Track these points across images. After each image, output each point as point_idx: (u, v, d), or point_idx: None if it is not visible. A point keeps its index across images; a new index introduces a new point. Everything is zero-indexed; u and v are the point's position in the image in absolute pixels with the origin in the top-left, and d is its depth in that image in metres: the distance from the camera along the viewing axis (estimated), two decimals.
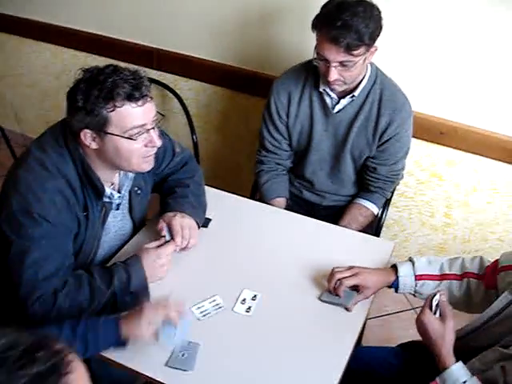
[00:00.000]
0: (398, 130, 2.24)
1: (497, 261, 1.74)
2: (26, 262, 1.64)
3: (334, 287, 1.79)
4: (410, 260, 1.84)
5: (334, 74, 2.06)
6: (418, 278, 1.81)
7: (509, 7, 2.22)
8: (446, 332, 1.53)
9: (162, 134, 1.98)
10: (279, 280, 1.88)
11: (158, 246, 1.84)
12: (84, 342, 1.50)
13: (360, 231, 2.24)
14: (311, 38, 2.09)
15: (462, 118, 2.56)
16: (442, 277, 1.80)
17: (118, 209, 1.94)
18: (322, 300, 1.81)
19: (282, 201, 2.45)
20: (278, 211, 2.28)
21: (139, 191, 1.97)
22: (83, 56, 3.35)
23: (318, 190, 2.51)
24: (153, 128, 1.71)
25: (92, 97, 1.59)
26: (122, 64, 3.08)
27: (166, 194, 2.07)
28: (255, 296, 1.80)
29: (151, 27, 3.09)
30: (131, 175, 1.91)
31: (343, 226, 2.26)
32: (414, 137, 2.40)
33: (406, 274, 1.82)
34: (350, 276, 1.78)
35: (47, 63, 3.56)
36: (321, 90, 2.24)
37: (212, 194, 2.20)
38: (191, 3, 2.88)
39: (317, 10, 2.07)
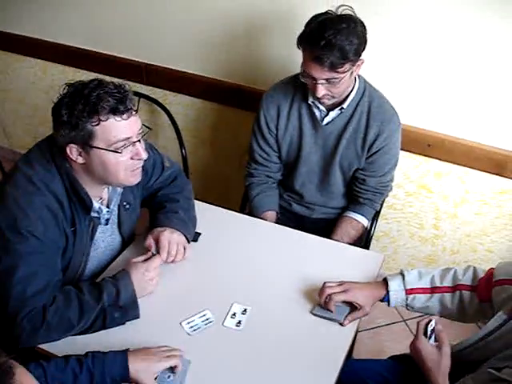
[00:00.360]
0: (387, 141, 2.26)
1: (491, 272, 1.73)
2: (13, 279, 1.63)
3: (324, 302, 1.79)
4: (401, 273, 1.84)
5: (321, 91, 2.08)
6: (408, 292, 1.80)
7: (493, 19, 2.25)
8: (442, 360, 1.52)
9: (151, 149, 2.01)
10: (269, 294, 1.88)
11: (146, 260, 1.83)
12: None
13: (349, 244, 2.24)
14: (298, 52, 2.10)
15: (449, 130, 2.58)
16: (433, 290, 1.79)
17: (106, 224, 1.93)
18: (314, 314, 1.81)
19: (272, 214, 2.45)
20: (267, 224, 2.28)
21: (128, 206, 1.97)
22: (72, 71, 3.35)
23: (308, 202, 2.51)
24: (138, 141, 1.71)
25: (76, 111, 1.60)
26: (111, 79, 3.11)
27: (156, 209, 2.06)
28: (245, 310, 1.80)
29: (140, 42, 3.10)
30: (119, 190, 1.91)
31: (335, 241, 2.26)
32: (401, 149, 2.41)
33: (396, 288, 1.81)
34: (341, 292, 1.78)
35: (36, 78, 3.56)
36: (309, 102, 2.25)
37: (201, 208, 2.19)
38: (179, 18, 2.89)
39: (303, 24, 2.08)
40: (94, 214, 1.83)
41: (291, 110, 2.32)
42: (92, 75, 3.27)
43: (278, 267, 1.99)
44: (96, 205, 1.82)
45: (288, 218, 2.52)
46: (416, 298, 1.80)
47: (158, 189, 2.12)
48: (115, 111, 1.62)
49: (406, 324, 2.96)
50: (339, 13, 2.04)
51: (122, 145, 1.66)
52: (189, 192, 2.17)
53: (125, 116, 1.64)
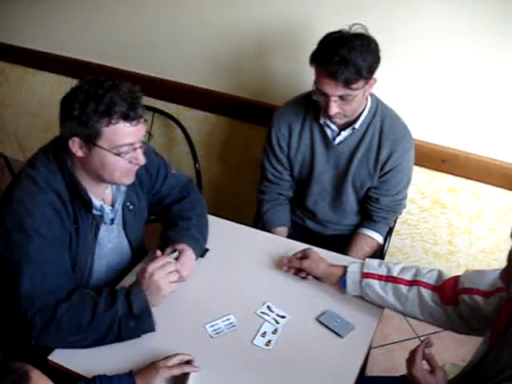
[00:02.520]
0: (399, 160, 2.25)
1: (457, 278, 1.74)
2: (21, 277, 1.66)
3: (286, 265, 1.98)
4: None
5: (334, 108, 2.07)
6: (364, 275, 1.84)
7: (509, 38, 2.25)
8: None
9: (155, 154, 2.06)
10: (281, 307, 1.87)
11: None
12: None
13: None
14: (310, 68, 2.11)
15: (463, 145, 2.57)
16: (388, 278, 1.81)
17: (112, 223, 1.94)
18: (319, 320, 1.82)
19: (283, 230, 2.45)
20: (280, 240, 2.27)
21: (132, 207, 1.99)
22: None
23: (320, 219, 2.50)
24: (140, 147, 1.74)
25: (88, 109, 1.63)
26: None
27: (169, 225, 2.07)
28: (276, 330, 1.79)
29: (154, 57, 3.12)
30: (123, 189, 1.93)
31: (349, 257, 2.24)
32: (415, 164, 2.41)
33: (353, 270, 1.86)
34: (299, 258, 1.95)
35: (50, 93, 3.60)
36: (321, 122, 2.25)
37: (215, 223, 2.21)
38: (193, 34, 2.92)
39: (315, 42, 2.08)
40: (96, 212, 1.85)
41: (303, 130, 2.32)
42: None
43: (290, 282, 1.99)
44: (97, 203, 1.84)
45: (301, 234, 2.50)
46: (370, 283, 1.82)
47: (164, 196, 2.13)
48: (126, 117, 1.65)
49: (420, 340, 2.93)
50: (353, 31, 2.04)
51: (125, 150, 1.70)
52: (202, 209, 2.17)
53: (134, 123, 1.68)
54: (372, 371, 2.61)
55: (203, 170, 3.17)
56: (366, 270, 1.84)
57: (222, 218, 2.31)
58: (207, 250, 2.10)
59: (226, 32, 2.83)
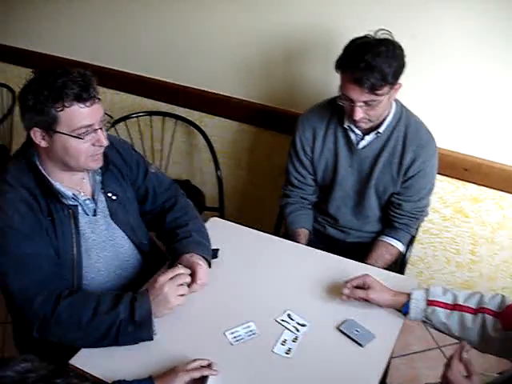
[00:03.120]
0: (423, 166, 2.24)
1: None
2: (6, 275, 1.71)
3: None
4: (427, 288, 1.84)
5: (359, 114, 2.08)
6: (429, 303, 1.79)
7: None
8: None
9: (134, 150, 2.11)
10: (302, 315, 1.87)
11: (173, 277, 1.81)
12: None
13: (384, 268, 2.22)
14: (335, 76, 2.11)
15: (486, 154, 2.55)
16: (455, 307, 1.77)
17: (95, 214, 1.94)
18: (339, 329, 1.81)
19: (305, 232, 2.45)
20: (301, 247, 2.27)
21: (115, 197, 1.98)
22: (110, 93, 3.40)
23: (342, 226, 2.50)
24: (100, 128, 1.77)
25: (41, 97, 1.66)
26: (148, 101, 3.17)
27: (170, 238, 2.06)
28: (296, 338, 1.78)
29: (177, 65, 3.14)
30: (98, 178, 1.95)
31: (369, 264, 2.23)
32: (438, 173, 2.39)
33: (417, 297, 1.81)
34: (361, 288, 1.86)
35: None
36: (345, 126, 2.26)
37: (236, 230, 2.22)
38: (216, 42, 2.94)
39: (341, 48, 2.09)
40: (70, 203, 1.85)
41: (327, 133, 2.33)
42: (131, 97, 3.35)
43: (312, 291, 1.98)
44: (68, 193, 1.85)
45: (322, 241, 2.50)
46: (436, 311, 1.78)
47: (150, 196, 2.13)
48: (79, 98, 1.68)
49: (442, 351, 2.91)
50: (378, 37, 2.05)
51: (84, 131, 1.72)
52: (193, 211, 2.18)
53: (88, 103, 1.70)
54: (393, 381, 2.60)
55: (225, 178, 3.18)
56: (431, 298, 1.80)
57: (243, 225, 2.31)
58: (217, 249, 2.09)
59: (250, 40, 2.84)
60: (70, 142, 1.72)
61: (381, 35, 2.06)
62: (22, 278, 1.71)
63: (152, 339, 1.72)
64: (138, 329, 1.70)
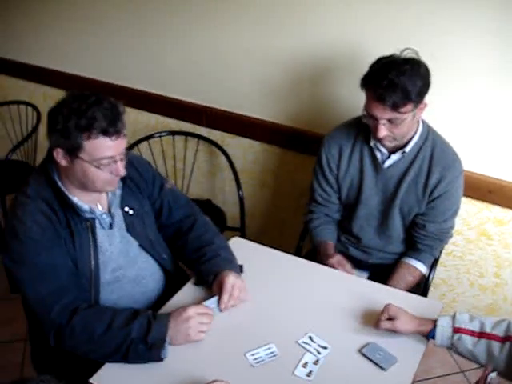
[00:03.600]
0: (449, 187, 2.23)
1: None
2: (24, 285, 1.78)
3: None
4: (453, 314, 1.82)
5: (382, 131, 2.09)
6: (455, 330, 1.77)
7: None
8: None
9: (150, 165, 2.14)
10: (323, 337, 1.86)
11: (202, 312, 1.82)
12: None
13: (407, 291, 2.20)
14: (359, 97, 2.12)
15: (510, 176, 2.53)
16: (482, 335, 1.74)
17: (111, 228, 1.96)
18: (361, 352, 1.79)
19: (331, 245, 2.45)
20: (323, 269, 2.24)
21: (131, 211, 2.01)
22: (134, 112, 3.44)
23: (365, 246, 2.48)
24: (121, 159, 1.80)
25: (70, 124, 1.69)
26: (171, 121, 3.19)
27: (196, 258, 2.07)
28: (317, 360, 1.76)
29: (200, 86, 3.17)
30: (118, 193, 1.97)
31: (391, 286, 2.22)
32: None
33: (443, 324, 1.79)
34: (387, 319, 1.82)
35: None
36: (371, 144, 2.26)
37: (257, 250, 2.23)
38: (239, 63, 2.96)
39: (365, 70, 2.10)
40: (88, 216, 1.88)
41: (353, 151, 2.33)
42: (154, 116, 3.38)
43: (334, 312, 1.96)
44: (85, 206, 1.87)
45: None
46: (462, 338, 1.75)
47: (166, 211, 2.15)
48: (106, 132, 1.71)
49: (465, 375, 2.87)
50: (404, 56, 2.06)
51: (105, 162, 1.76)
52: (214, 227, 2.21)
53: (113, 137, 1.73)
54: None
55: (246, 197, 3.18)
56: (457, 325, 1.77)
57: (264, 245, 2.31)
58: (241, 266, 2.10)
59: (273, 61, 2.86)
60: (89, 168, 1.76)
61: (407, 54, 2.07)
62: (40, 287, 1.76)
63: (161, 361, 1.72)
64: (148, 349, 1.70)
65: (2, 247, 1.81)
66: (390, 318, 1.82)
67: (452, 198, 2.28)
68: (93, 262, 1.90)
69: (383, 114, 2.05)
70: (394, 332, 1.82)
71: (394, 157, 2.26)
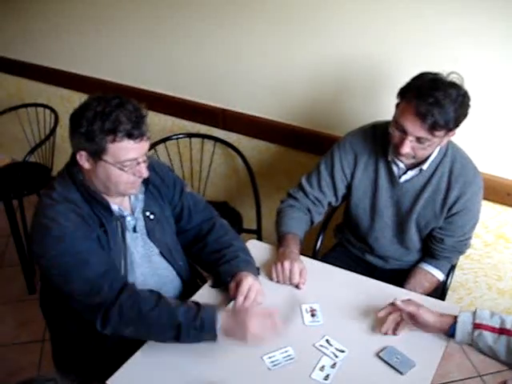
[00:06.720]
0: (468, 203, 2.18)
1: None
2: (71, 273, 1.76)
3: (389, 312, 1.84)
4: (474, 311, 1.81)
5: (406, 147, 2.01)
6: (476, 326, 1.75)
7: None
8: None
9: (170, 170, 2.14)
10: (340, 341, 1.85)
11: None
12: None
13: (425, 295, 2.18)
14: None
15: None
16: (502, 331, 1.73)
17: (135, 231, 1.98)
18: (379, 356, 1.78)
19: (298, 238, 2.29)
20: (340, 272, 2.23)
21: (152, 216, 2.02)
22: (151, 114, 3.41)
23: (382, 255, 2.46)
24: (144, 161, 1.82)
25: (95, 127, 1.70)
26: (188, 123, 3.20)
27: (216, 261, 2.07)
28: (335, 364, 1.76)
29: (217, 88, 3.18)
30: (141, 197, 1.99)
31: (408, 290, 2.19)
32: None
33: (464, 320, 1.78)
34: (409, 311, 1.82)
35: None
36: (389, 159, 2.21)
37: (273, 253, 2.23)
38: (256, 65, 2.97)
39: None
40: (118, 214, 1.91)
41: (368, 162, 2.28)
42: (171, 119, 3.39)
43: (351, 315, 1.96)
44: (114, 207, 1.90)
45: (361, 267, 2.45)
46: (482, 334, 1.74)
47: (185, 215, 2.15)
48: (130, 135, 1.72)
49: (482, 379, 2.84)
50: (450, 79, 1.97)
51: (128, 164, 1.77)
52: (231, 229, 2.22)
53: (138, 140, 1.75)
54: None
55: (263, 200, 3.18)
56: (478, 321, 1.76)
57: None
58: (258, 268, 2.10)
59: (288, 64, 2.86)
60: (112, 170, 1.77)
61: (452, 78, 1.98)
62: (88, 271, 1.76)
63: (216, 338, 1.73)
64: (201, 325, 1.72)
65: (37, 249, 1.80)
66: (411, 315, 1.82)
67: (471, 213, 2.23)
68: (123, 262, 1.92)
69: (416, 131, 1.96)
70: (414, 323, 1.82)
71: (411, 172, 2.20)
